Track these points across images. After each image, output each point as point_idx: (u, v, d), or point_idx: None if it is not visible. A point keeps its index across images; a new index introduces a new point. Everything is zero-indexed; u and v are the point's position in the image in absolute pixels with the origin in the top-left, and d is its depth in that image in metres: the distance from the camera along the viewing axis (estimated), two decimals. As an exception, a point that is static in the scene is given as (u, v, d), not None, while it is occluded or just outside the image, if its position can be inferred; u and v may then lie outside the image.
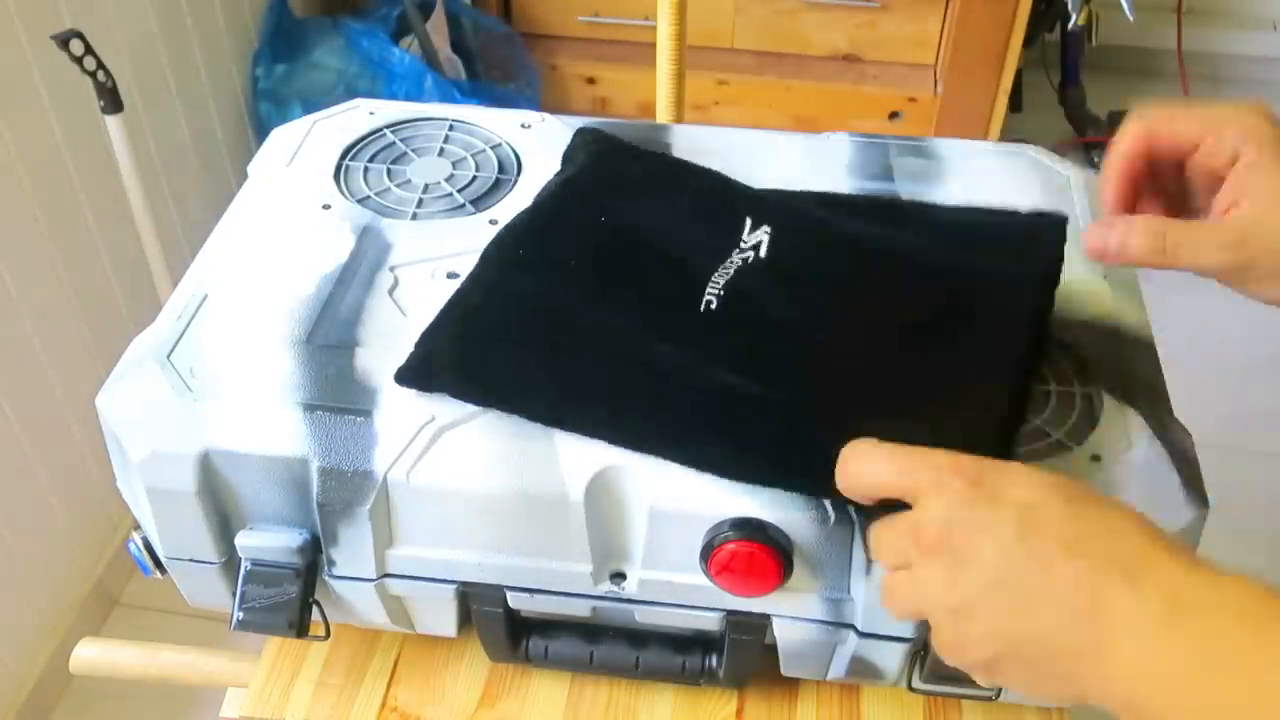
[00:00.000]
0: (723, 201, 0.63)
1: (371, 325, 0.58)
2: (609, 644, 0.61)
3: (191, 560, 0.58)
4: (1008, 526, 0.41)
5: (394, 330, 0.57)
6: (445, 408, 0.54)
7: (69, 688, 1.40)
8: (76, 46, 1.13)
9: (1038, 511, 0.41)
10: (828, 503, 0.51)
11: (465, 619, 0.60)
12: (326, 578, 0.57)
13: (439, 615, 0.60)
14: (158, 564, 0.59)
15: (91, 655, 0.70)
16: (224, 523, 0.56)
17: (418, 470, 0.52)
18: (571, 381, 0.54)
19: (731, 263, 0.58)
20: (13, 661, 1.32)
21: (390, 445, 0.53)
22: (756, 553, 0.51)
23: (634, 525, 0.54)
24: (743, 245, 0.59)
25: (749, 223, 0.60)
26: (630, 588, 0.56)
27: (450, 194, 0.67)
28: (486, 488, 0.52)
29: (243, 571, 0.56)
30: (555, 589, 0.56)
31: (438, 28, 1.85)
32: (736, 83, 2.01)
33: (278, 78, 1.72)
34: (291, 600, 0.56)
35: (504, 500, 0.53)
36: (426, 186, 0.68)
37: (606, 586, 0.56)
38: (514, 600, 0.57)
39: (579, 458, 0.52)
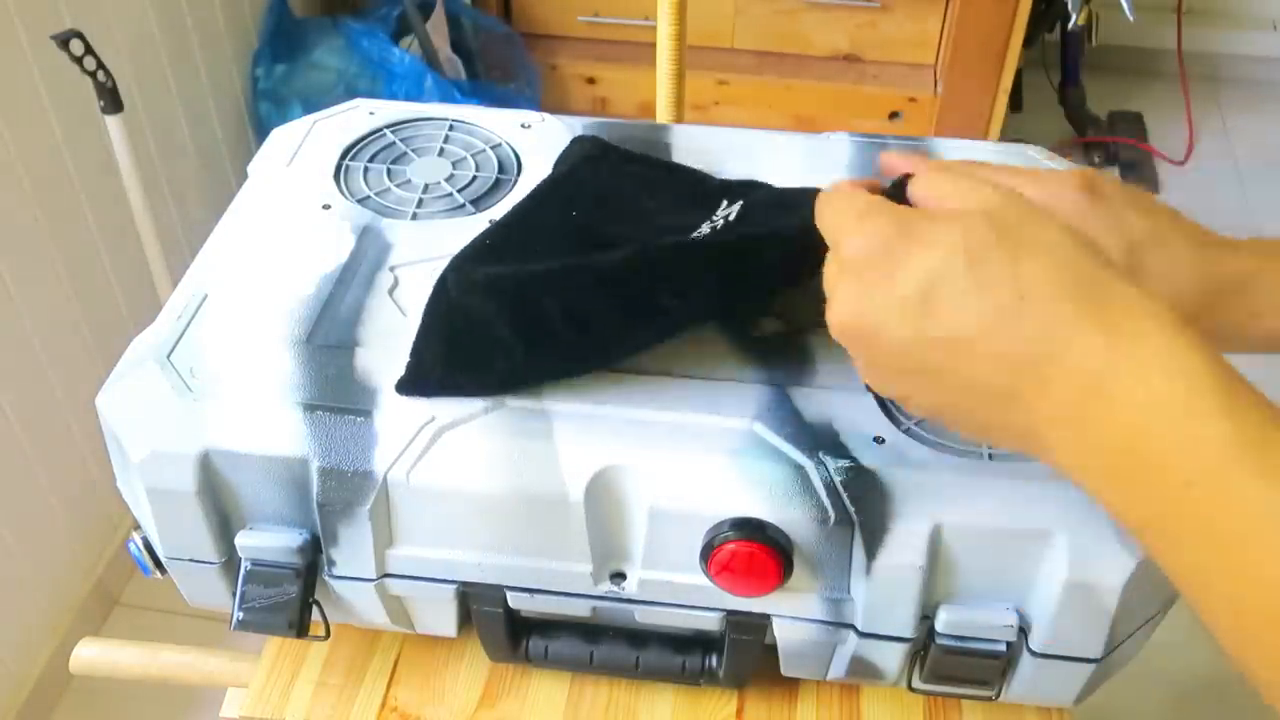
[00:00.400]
0: (703, 189, 0.63)
1: (371, 325, 0.58)
2: (609, 644, 0.61)
3: (191, 560, 0.58)
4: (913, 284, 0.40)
5: (394, 330, 0.57)
6: (445, 408, 0.54)
7: (69, 688, 1.40)
8: (76, 46, 1.13)
9: (939, 290, 0.40)
10: (828, 502, 0.51)
11: (465, 619, 0.60)
12: (326, 578, 0.57)
13: (439, 615, 0.60)
14: (158, 564, 0.59)
15: (91, 655, 0.70)
16: (224, 523, 0.56)
17: (418, 470, 0.52)
18: (540, 331, 0.53)
19: (700, 232, 0.58)
20: (13, 661, 1.32)
21: (390, 445, 0.53)
22: (756, 553, 0.51)
23: (634, 525, 0.53)
24: (714, 218, 0.59)
25: (724, 203, 0.60)
26: (630, 588, 0.56)
27: (450, 194, 0.67)
28: (486, 488, 0.52)
29: (243, 571, 0.56)
30: (555, 589, 0.56)
31: (438, 28, 1.85)
32: (736, 83, 2.01)
33: (278, 78, 1.72)
34: (291, 600, 0.56)
35: (504, 500, 0.53)
36: (426, 186, 0.68)
37: (606, 586, 0.56)
38: (514, 600, 0.57)
39: (579, 458, 0.52)
